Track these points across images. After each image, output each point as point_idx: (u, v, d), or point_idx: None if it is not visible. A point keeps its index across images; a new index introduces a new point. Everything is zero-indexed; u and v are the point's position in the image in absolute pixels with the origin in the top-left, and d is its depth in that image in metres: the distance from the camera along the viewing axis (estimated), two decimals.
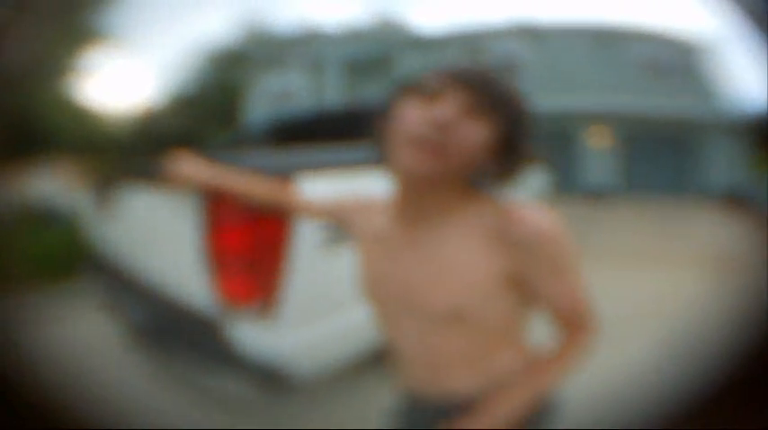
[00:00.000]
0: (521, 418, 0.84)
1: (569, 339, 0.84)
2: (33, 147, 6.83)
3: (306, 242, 1.53)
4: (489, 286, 0.78)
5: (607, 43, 11.40)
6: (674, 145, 10.71)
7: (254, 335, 1.54)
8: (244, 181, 1.23)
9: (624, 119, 10.92)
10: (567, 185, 10.35)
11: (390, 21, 13.10)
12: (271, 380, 1.58)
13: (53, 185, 7.15)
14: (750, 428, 0.76)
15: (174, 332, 1.84)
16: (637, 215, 8.61)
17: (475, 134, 0.72)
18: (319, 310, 1.63)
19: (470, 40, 12.02)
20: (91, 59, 9.01)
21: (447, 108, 0.71)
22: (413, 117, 0.73)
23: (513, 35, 11.85)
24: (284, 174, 1.41)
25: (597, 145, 11.39)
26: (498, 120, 0.74)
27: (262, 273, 1.46)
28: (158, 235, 1.85)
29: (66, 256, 4.51)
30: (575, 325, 0.83)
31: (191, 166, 1.23)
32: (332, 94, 12.58)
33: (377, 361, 2.24)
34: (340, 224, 1.06)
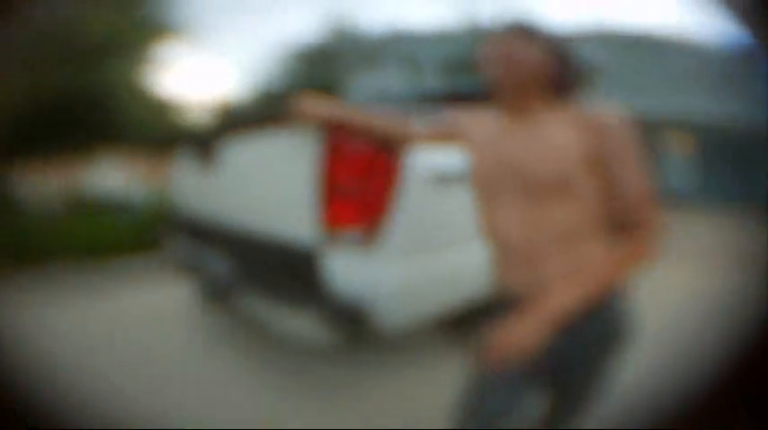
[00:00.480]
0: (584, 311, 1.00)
1: (635, 236, 0.98)
2: (110, 138, 7.28)
3: (416, 177, 1.63)
4: (578, 163, 0.98)
5: (683, 49, 11.54)
6: (749, 153, 10.62)
7: (350, 268, 1.61)
8: (363, 116, 1.40)
9: (702, 126, 10.94)
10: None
11: (479, 20, 13.43)
12: (356, 321, 1.64)
13: (125, 176, 7.65)
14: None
15: (263, 275, 1.95)
16: (712, 222, 8.84)
17: (530, 54, 1.05)
18: (420, 246, 1.69)
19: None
20: (174, 53, 9.60)
21: (508, 41, 1.06)
22: (491, 53, 1.08)
23: (595, 40, 12.09)
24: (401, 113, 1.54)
25: (677, 151, 11.47)
26: (544, 45, 1.06)
27: (370, 200, 1.56)
28: (262, 179, 1.99)
29: (135, 239, 4.84)
30: (640, 219, 0.98)
31: (317, 104, 1.42)
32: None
33: (459, 325, 2.29)
34: (455, 141, 1.26)
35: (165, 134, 7.06)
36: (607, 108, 1.01)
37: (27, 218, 5.70)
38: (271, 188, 1.92)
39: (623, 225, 1.00)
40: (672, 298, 3.10)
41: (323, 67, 12.26)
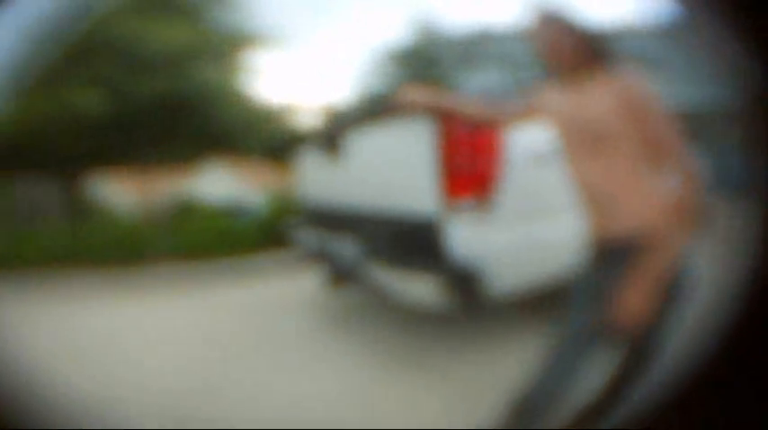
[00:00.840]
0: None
1: (682, 187, 1.20)
2: (214, 146, 7.62)
3: (519, 153, 1.90)
4: (621, 120, 1.24)
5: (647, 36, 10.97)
6: (727, 136, 9.62)
7: (467, 234, 1.90)
8: (465, 101, 1.66)
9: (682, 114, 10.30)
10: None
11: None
12: (472, 283, 1.93)
13: (235, 184, 8.24)
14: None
15: (389, 249, 2.29)
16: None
17: (563, 35, 1.35)
18: (526, 214, 1.95)
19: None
20: (266, 59, 9.48)
21: (549, 32, 1.37)
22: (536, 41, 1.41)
23: (647, 32, 11.71)
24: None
25: (725, 140, 10.73)
26: (579, 30, 1.34)
27: (481, 173, 1.85)
28: (383, 165, 2.34)
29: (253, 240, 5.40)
30: (682, 171, 1.20)
31: (423, 93, 1.69)
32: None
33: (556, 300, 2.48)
34: (538, 115, 1.53)
35: (273, 138, 7.43)
36: (640, 77, 1.27)
37: (123, 223, 6.38)
38: (392, 171, 2.25)
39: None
40: None
41: (421, 70, 12.48)
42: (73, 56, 5.99)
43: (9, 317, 2.66)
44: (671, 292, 1.25)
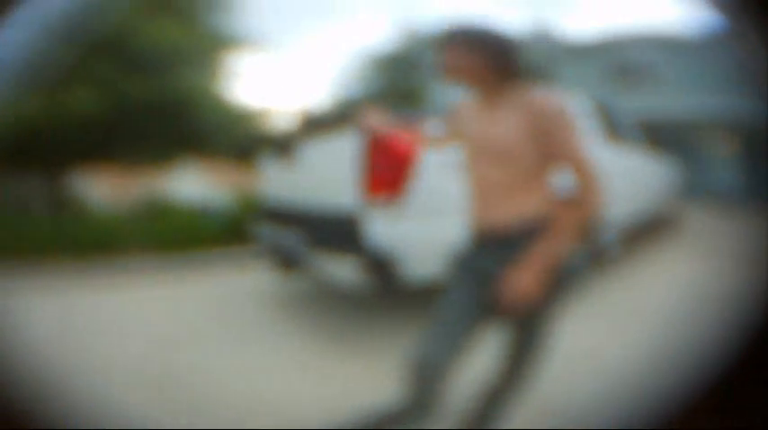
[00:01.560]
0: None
1: (582, 193, 1.36)
2: (189, 146, 7.77)
3: (431, 160, 2.34)
4: (521, 133, 1.38)
5: (720, 47, 11.20)
6: None
7: (383, 227, 2.36)
8: (399, 127, 1.99)
9: (746, 124, 10.55)
10: (695, 191, 10.21)
11: (549, 30, 13.20)
12: (387, 268, 2.37)
13: (206, 184, 8.41)
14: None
15: (323, 238, 2.73)
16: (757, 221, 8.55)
17: (472, 61, 1.44)
18: (433, 211, 2.37)
19: (611, 48, 12.31)
20: (246, 62, 9.83)
21: (449, 57, 1.47)
22: (438, 61, 1.49)
23: (641, 41, 11.91)
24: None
25: (720, 151, 11.10)
26: (482, 51, 1.43)
27: (398, 178, 2.31)
28: (326, 168, 2.78)
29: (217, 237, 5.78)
30: (584, 180, 1.35)
31: (374, 117, 1.89)
32: None
33: None
34: (456, 138, 1.68)
35: (244, 141, 7.48)
36: (547, 93, 1.40)
37: (101, 217, 6.63)
38: (330, 174, 2.70)
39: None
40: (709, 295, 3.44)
41: (401, 75, 12.54)
42: (68, 54, 6.14)
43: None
44: (557, 280, 1.41)
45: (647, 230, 5.11)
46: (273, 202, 3.51)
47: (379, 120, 1.88)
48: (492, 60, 1.44)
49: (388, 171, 2.32)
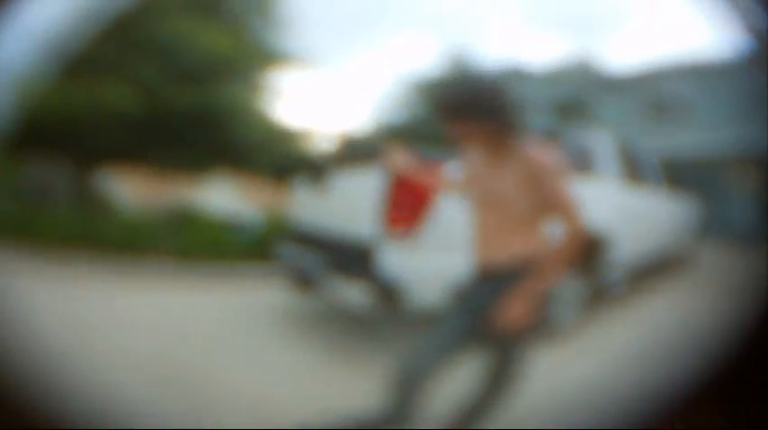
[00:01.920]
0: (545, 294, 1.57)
1: (568, 236, 1.55)
2: (225, 160, 7.83)
3: (445, 203, 2.57)
4: (517, 187, 1.59)
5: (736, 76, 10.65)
6: None
7: (396, 258, 2.59)
8: (418, 169, 2.16)
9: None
10: (718, 229, 9.73)
11: (588, 62, 12.99)
12: (395, 295, 2.59)
13: (238, 198, 8.51)
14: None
15: (338, 263, 2.96)
16: None
17: (471, 129, 1.63)
18: (445, 246, 2.57)
19: (649, 78, 12.01)
20: (292, 80, 9.71)
21: (451, 129, 1.67)
22: (444, 122, 1.68)
23: (684, 74, 11.59)
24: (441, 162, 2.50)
25: (740, 186, 10.68)
26: (480, 119, 1.61)
27: (415, 215, 2.56)
28: (354, 199, 3.02)
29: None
30: (565, 216, 1.55)
31: (398, 157, 2.11)
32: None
33: None
34: (463, 188, 1.92)
35: (280, 161, 7.57)
36: (540, 147, 1.62)
37: (126, 218, 6.76)
38: (356, 204, 2.95)
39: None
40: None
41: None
42: (114, 49, 6.32)
43: (16, 284, 2.96)
44: (542, 314, 1.64)
45: (661, 269, 5.20)
46: (300, 224, 3.77)
47: (402, 160, 2.10)
48: (494, 125, 1.63)
49: (406, 208, 2.56)
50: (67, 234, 5.70)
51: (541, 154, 1.61)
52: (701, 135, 10.65)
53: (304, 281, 3.40)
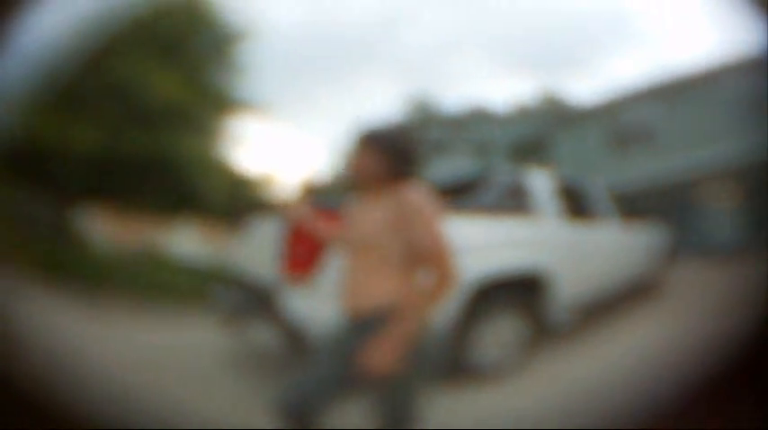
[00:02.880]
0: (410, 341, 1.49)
1: (432, 272, 1.50)
2: (183, 204, 8.01)
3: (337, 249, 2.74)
4: (386, 229, 1.56)
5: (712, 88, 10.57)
6: None
7: (295, 302, 2.77)
8: (314, 220, 2.27)
9: (746, 169, 9.87)
10: (693, 245, 9.42)
11: (551, 98, 13.18)
12: (300, 337, 2.75)
13: (196, 241, 8.85)
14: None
15: (255, 304, 3.13)
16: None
17: (368, 164, 1.64)
18: (336, 290, 2.77)
19: (610, 109, 12.06)
20: (247, 127, 9.73)
21: (354, 156, 1.68)
22: (345, 159, 1.75)
23: (648, 99, 11.52)
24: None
25: (720, 202, 10.57)
26: (379, 154, 1.63)
27: (308, 260, 2.73)
28: (261, 244, 3.22)
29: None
30: (434, 262, 1.50)
31: (293, 209, 2.25)
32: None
33: None
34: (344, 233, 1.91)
35: (232, 205, 7.76)
36: (412, 188, 1.58)
37: (95, 255, 7.03)
38: (263, 251, 3.14)
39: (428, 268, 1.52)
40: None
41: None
42: (79, 90, 6.55)
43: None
44: (413, 354, 1.54)
45: (626, 298, 5.19)
46: (229, 267, 3.95)
47: (299, 211, 2.20)
48: (394, 165, 1.64)
49: (302, 255, 2.75)
50: (47, 262, 5.88)
51: (415, 195, 1.57)
52: (672, 159, 10.69)
53: (231, 319, 3.56)
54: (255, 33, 8.70)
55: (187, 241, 8.61)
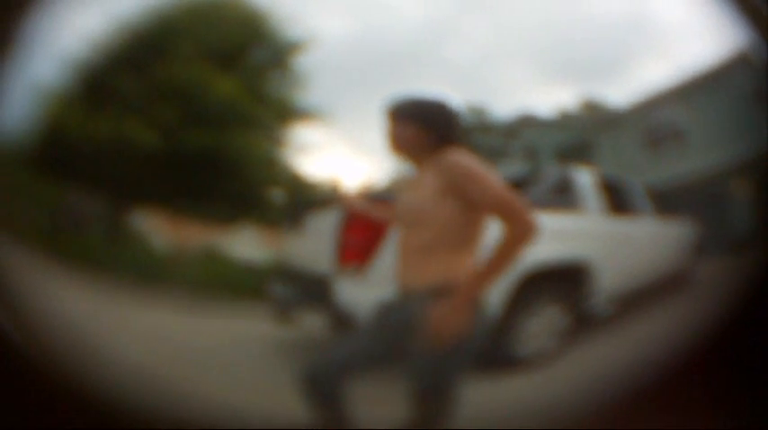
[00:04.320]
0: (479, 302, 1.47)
1: (506, 226, 1.41)
2: (244, 209, 8.27)
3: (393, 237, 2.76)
4: (434, 195, 1.50)
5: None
6: None
7: (351, 291, 2.85)
8: (372, 208, 2.39)
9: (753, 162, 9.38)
10: (721, 239, 9.26)
11: (590, 103, 12.74)
12: (348, 324, 2.81)
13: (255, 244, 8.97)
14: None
15: (307, 298, 3.20)
16: None
17: (404, 135, 1.64)
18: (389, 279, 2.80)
19: (640, 112, 11.77)
20: (306, 133, 10.15)
21: (389, 128, 1.67)
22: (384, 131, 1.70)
23: (672, 99, 11.32)
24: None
25: (737, 195, 10.17)
26: (415, 123, 1.62)
27: (365, 252, 2.80)
28: (318, 238, 3.31)
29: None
30: (506, 216, 1.41)
31: (350, 198, 2.44)
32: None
33: None
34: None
35: (286, 207, 8.03)
36: (454, 152, 1.53)
37: (152, 253, 7.21)
38: (319, 243, 3.20)
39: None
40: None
41: None
42: (141, 90, 6.68)
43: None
44: (472, 328, 1.47)
45: (659, 288, 4.99)
46: (281, 263, 4.06)
47: (355, 201, 2.28)
48: (432, 133, 1.62)
49: (356, 246, 2.80)
50: (94, 258, 6.06)
51: (458, 157, 1.52)
52: (697, 156, 10.35)
53: (285, 312, 3.64)
54: (313, 45, 8.72)
55: (246, 243, 8.74)
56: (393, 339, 1.64)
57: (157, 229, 8.44)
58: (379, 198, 2.61)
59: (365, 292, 2.80)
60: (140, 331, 3.78)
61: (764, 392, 1.08)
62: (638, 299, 4.62)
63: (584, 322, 3.75)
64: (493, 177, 1.48)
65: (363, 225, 2.79)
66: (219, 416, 2.27)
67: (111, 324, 3.69)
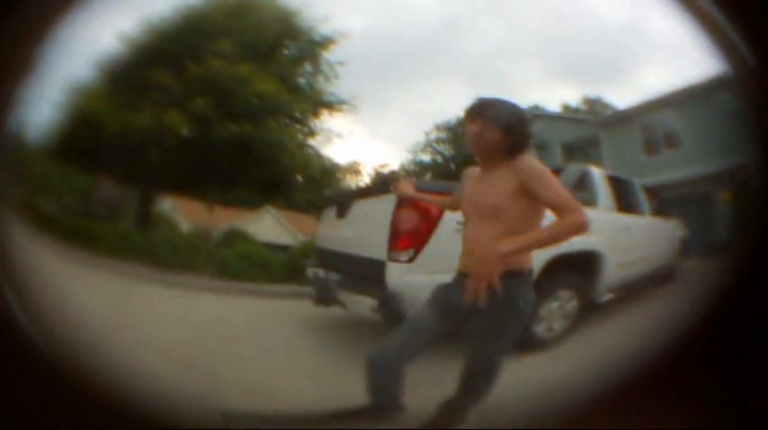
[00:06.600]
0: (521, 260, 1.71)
1: (562, 218, 1.61)
2: (272, 194, 7.97)
3: (448, 222, 2.82)
4: (510, 194, 1.71)
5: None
6: None
7: (399, 274, 2.96)
8: (423, 195, 2.58)
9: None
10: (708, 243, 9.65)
11: (593, 102, 12.85)
12: (397, 305, 2.93)
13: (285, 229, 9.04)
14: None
15: (354, 281, 3.33)
16: None
17: (489, 137, 1.77)
18: (440, 268, 2.89)
19: (640, 115, 11.90)
20: (336, 123, 10.35)
21: (474, 128, 1.80)
22: (464, 131, 1.87)
23: (669, 106, 11.44)
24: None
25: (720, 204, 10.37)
26: (500, 129, 1.75)
27: (418, 239, 2.91)
28: (367, 225, 3.43)
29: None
30: (564, 211, 1.61)
31: (404, 186, 2.53)
32: None
33: None
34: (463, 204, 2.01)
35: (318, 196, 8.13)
36: (526, 158, 1.74)
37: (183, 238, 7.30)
38: (369, 230, 3.33)
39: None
40: None
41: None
42: (180, 83, 6.61)
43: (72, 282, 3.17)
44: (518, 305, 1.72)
45: (649, 281, 5.47)
46: (324, 248, 4.20)
47: (408, 188, 2.41)
48: (509, 136, 1.77)
49: (411, 232, 2.91)
50: (124, 246, 6.17)
51: (531, 162, 1.74)
52: (690, 161, 10.50)
53: (325, 298, 3.77)
54: (342, 40, 8.88)
55: (276, 229, 8.87)
56: (453, 320, 1.80)
57: (190, 215, 8.63)
58: (428, 188, 2.75)
59: (417, 276, 2.92)
60: (170, 313, 3.87)
61: (738, 380, 1.16)
62: (631, 289, 4.96)
63: (589, 307, 3.98)
64: (556, 180, 1.70)
65: (418, 212, 2.90)
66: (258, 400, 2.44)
67: (142, 308, 3.85)
